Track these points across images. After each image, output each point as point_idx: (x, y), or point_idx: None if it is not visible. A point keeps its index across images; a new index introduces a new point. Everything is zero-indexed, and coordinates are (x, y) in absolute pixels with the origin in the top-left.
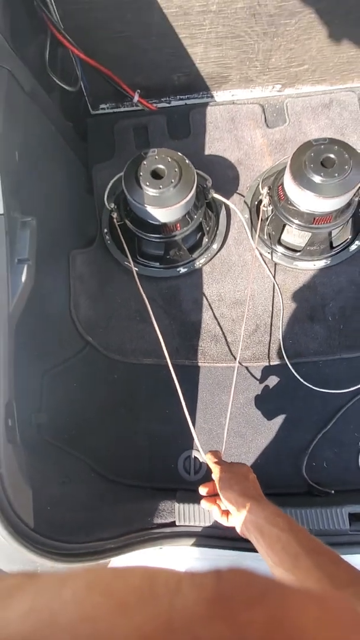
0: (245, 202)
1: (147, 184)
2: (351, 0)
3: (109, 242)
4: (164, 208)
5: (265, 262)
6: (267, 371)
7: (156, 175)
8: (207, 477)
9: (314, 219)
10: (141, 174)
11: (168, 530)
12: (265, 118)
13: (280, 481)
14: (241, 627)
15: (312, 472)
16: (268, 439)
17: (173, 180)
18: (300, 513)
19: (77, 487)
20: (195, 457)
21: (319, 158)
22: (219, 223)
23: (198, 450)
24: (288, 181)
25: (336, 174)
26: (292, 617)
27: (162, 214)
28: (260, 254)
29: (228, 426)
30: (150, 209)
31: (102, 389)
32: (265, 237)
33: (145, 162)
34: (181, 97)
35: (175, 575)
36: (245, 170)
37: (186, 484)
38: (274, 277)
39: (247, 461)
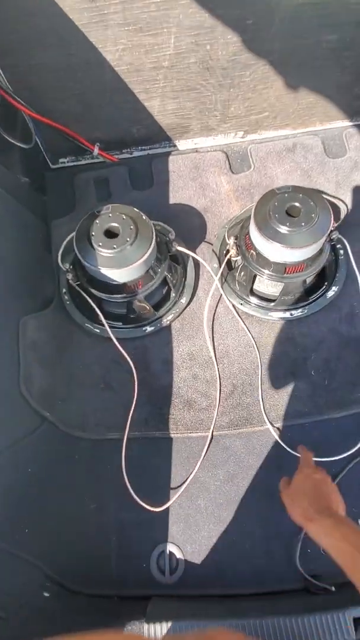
0: (213, 251)
1: (100, 244)
2: (302, 52)
3: (68, 302)
4: (121, 268)
5: (238, 315)
6: (248, 439)
7: (110, 234)
8: (185, 578)
9: (285, 268)
10: (93, 233)
11: None
12: (229, 164)
13: (271, 576)
14: None
15: (307, 561)
16: (254, 523)
17: (129, 239)
18: (297, 622)
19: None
20: (170, 552)
21: (283, 207)
22: (186, 275)
23: (174, 544)
24: (254, 232)
25: (303, 223)
26: None
27: (119, 275)
28: (233, 306)
29: (207, 508)
30: (105, 270)
31: (61, 473)
32: (237, 287)
33: (97, 221)
34: (143, 147)
35: None
36: (212, 218)
37: (161, 589)
38: (249, 330)
39: (231, 552)
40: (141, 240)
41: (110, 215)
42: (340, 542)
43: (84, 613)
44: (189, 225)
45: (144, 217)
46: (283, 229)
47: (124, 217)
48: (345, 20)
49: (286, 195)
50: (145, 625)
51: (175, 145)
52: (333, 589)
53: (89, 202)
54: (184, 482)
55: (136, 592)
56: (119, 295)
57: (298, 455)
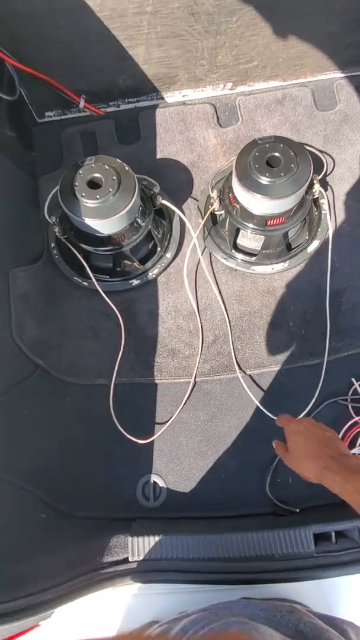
0: (198, 208)
1: (84, 194)
2: None
3: (56, 256)
4: (105, 219)
5: (222, 269)
6: (228, 384)
7: (93, 185)
8: (167, 503)
9: (267, 221)
10: (77, 184)
11: (121, 568)
12: (217, 117)
13: (244, 501)
14: None
15: (277, 489)
16: (231, 456)
17: (111, 189)
18: (264, 536)
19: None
20: (154, 482)
21: (263, 157)
22: (172, 230)
23: (157, 474)
24: (235, 184)
25: (282, 173)
26: None
27: (103, 226)
28: (217, 260)
29: (188, 444)
30: (89, 221)
31: (53, 414)
32: (221, 242)
33: (81, 172)
34: (130, 100)
35: None
36: (199, 173)
37: (145, 512)
38: (232, 283)
39: (209, 481)
40: (124, 191)
41: (94, 166)
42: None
43: (75, 529)
44: (176, 180)
45: (126, 168)
46: (263, 180)
47: (107, 167)
48: None
49: (267, 145)
50: (129, 539)
51: (163, 98)
52: (297, 511)
53: (77, 157)
54: (167, 421)
55: (123, 515)
56: (105, 248)
57: (264, 409)
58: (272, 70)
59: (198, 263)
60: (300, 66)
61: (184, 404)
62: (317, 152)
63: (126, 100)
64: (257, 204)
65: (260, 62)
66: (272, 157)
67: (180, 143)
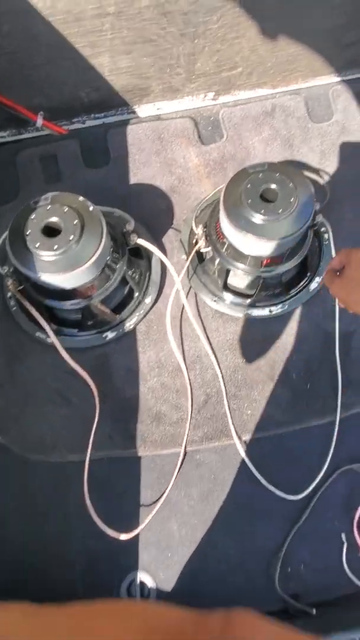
0: (181, 241)
1: (38, 245)
2: None
3: (14, 309)
4: (66, 273)
5: (211, 313)
6: (224, 453)
7: (50, 231)
8: None
9: (262, 261)
10: (29, 233)
11: None
12: (198, 133)
13: (249, 596)
14: None
15: (287, 580)
16: (231, 543)
17: (73, 236)
18: None
19: None
20: (141, 582)
21: (257, 190)
22: (151, 270)
23: (145, 571)
24: (224, 221)
25: (280, 210)
26: None
27: (65, 280)
28: (205, 303)
29: (180, 531)
30: (47, 277)
31: (19, 500)
32: (209, 282)
33: (34, 217)
34: (97, 115)
35: (177, 617)
36: (180, 199)
37: None
38: (223, 330)
39: (206, 575)
40: (89, 236)
41: (50, 208)
42: None
43: None
44: (153, 208)
45: (91, 208)
46: (257, 218)
47: (66, 209)
48: None
49: (260, 175)
50: None
51: (134, 112)
52: (314, 611)
53: (36, 185)
54: (154, 504)
55: None
56: (70, 302)
57: (265, 484)
58: (259, 77)
59: (183, 308)
60: (291, 71)
61: (174, 480)
62: (313, 175)
63: (92, 115)
64: (250, 245)
65: (245, 69)
66: (267, 190)
67: (156, 165)
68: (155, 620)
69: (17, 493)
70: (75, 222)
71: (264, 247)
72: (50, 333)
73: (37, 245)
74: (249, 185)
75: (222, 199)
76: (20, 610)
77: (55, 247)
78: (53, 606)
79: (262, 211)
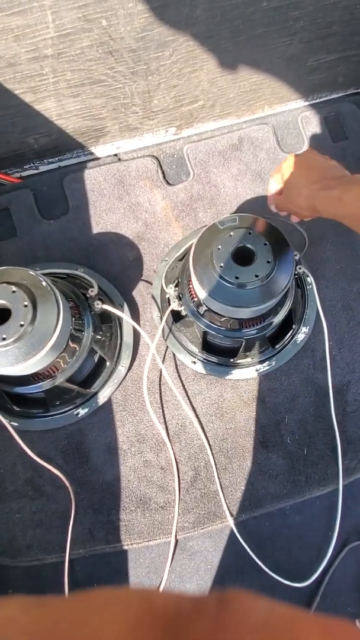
0: (152, 296)
1: None
2: (235, 17)
3: None
4: (20, 364)
5: (192, 374)
6: (219, 538)
7: None
8: None
9: (242, 323)
10: None
11: None
12: (162, 173)
13: None
14: None
15: None
16: None
17: (23, 322)
18: None
19: None
20: None
21: (228, 251)
22: (122, 331)
23: None
24: (196, 286)
25: (257, 274)
26: None
27: (21, 370)
28: (185, 365)
29: None
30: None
31: None
32: (187, 342)
33: None
34: (50, 160)
35: (174, 599)
36: (148, 247)
37: None
38: (207, 393)
39: None
40: (43, 317)
41: None
42: None
43: None
44: (121, 259)
45: (44, 284)
46: (232, 286)
47: (14, 289)
48: None
49: (231, 234)
50: None
51: (91, 153)
52: None
53: None
54: None
55: None
56: (31, 387)
57: (278, 578)
58: (222, 108)
59: (160, 371)
60: (256, 100)
61: (166, 576)
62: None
63: (45, 160)
64: (226, 311)
65: (207, 102)
66: (240, 250)
67: (120, 211)
68: (154, 604)
69: None
70: (25, 304)
71: (242, 313)
72: (7, 425)
73: None
74: (219, 247)
75: (191, 261)
76: (18, 604)
77: (4, 336)
78: (52, 597)
79: (237, 277)
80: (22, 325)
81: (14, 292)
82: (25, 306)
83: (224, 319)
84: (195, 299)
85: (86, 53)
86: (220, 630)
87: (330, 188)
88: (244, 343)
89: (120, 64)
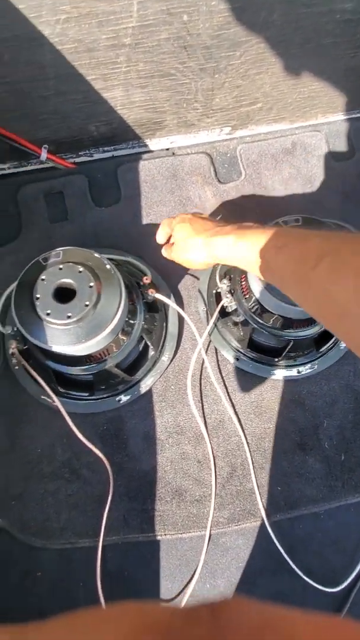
0: (199, 291)
1: (49, 312)
2: (308, 26)
3: (17, 368)
4: (80, 344)
5: (233, 371)
6: (252, 536)
7: (62, 296)
8: None
9: (293, 322)
10: (39, 297)
11: None
12: (215, 171)
13: None
14: None
15: None
16: None
17: (88, 302)
18: None
19: None
20: None
21: None
22: (168, 324)
23: None
24: (253, 283)
25: None
26: None
27: (78, 350)
28: (227, 361)
29: None
30: (59, 348)
31: (18, 597)
32: (232, 338)
33: (44, 278)
34: (106, 148)
35: (167, 612)
36: None
37: None
38: (248, 390)
39: None
40: (106, 300)
41: (62, 267)
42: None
43: None
44: None
45: (108, 267)
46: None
47: (81, 269)
48: None
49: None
50: None
51: (146, 145)
52: None
53: (40, 225)
54: (176, 597)
55: None
56: (81, 367)
57: (311, 582)
58: (278, 112)
59: (203, 364)
60: (311, 107)
61: (199, 570)
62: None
63: (100, 148)
64: (278, 307)
65: (265, 104)
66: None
67: (171, 204)
68: (146, 618)
69: (17, 585)
70: (90, 285)
71: (292, 311)
72: (57, 402)
73: (48, 312)
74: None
75: None
76: (9, 634)
77: (69, 314)
78: (39, 623)
79: None
80: (87, 306)
81: (80, 272)
82: (91, 287)
83: (275, 317)
84: (247, 296)
85: (162, 46)
86: (216, 636)
87: (225, 234)
88: (292, 343)
89: (192, 59)
